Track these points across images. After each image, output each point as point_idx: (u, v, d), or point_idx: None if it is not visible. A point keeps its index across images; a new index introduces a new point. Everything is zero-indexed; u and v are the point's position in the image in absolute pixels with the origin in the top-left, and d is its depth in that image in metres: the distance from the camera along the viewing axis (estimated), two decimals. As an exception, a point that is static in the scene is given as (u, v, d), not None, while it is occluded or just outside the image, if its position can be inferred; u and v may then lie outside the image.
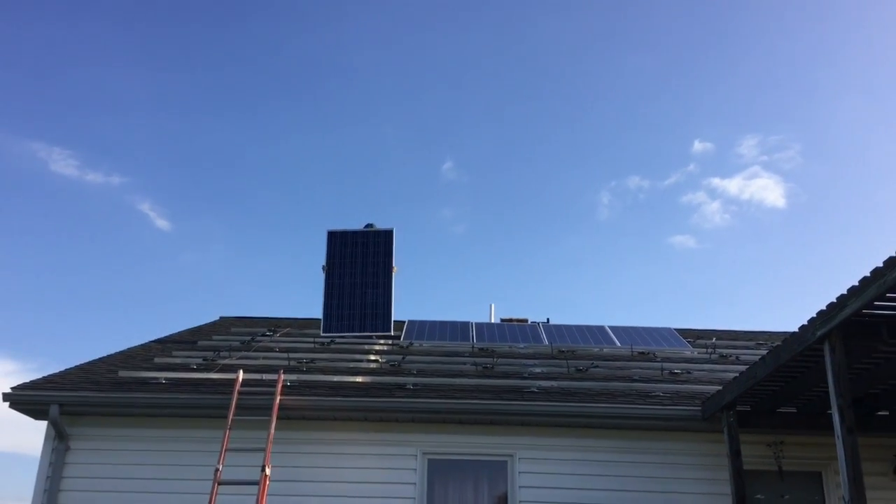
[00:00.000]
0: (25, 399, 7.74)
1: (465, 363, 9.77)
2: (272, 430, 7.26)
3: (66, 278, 31.17)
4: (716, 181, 31.22)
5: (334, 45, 29.48)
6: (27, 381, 8.07)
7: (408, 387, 8.31)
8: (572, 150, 30.74)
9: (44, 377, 8.25)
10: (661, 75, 29.26)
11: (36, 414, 7.86)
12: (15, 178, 29.16)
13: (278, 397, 7.58)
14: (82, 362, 9.20)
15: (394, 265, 11.45)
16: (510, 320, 13.50)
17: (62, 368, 8.79)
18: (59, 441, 7.70)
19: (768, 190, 30.48)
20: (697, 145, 30.19)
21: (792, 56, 28.80)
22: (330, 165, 31.29)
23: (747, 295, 32.23)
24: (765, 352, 6.95)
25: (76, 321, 32.44)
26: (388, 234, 11.72)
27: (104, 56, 27.92)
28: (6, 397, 7.70)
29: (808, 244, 31.57)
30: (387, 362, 9.68)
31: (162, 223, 31.39)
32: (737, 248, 32.20)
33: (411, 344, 10.91)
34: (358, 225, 12.20)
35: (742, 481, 6.97)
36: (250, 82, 30.27)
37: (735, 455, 7.04)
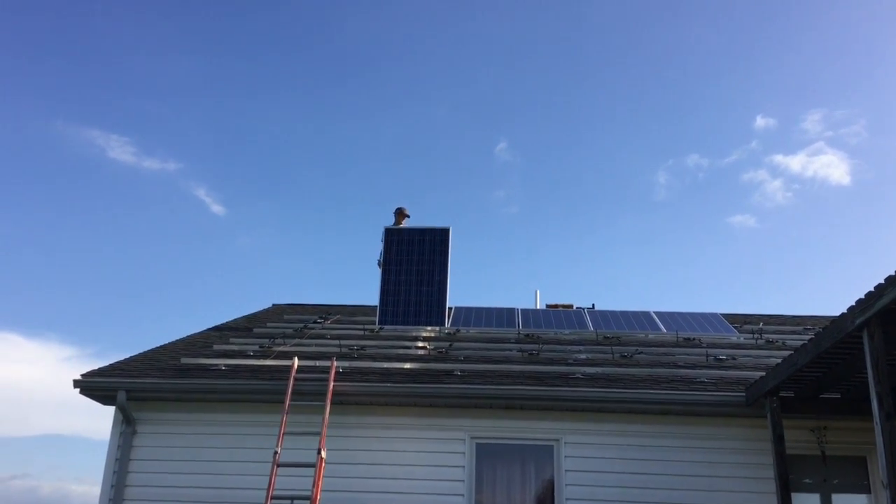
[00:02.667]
0: (94, 385, 8.17)
1: (511, 349, 9.99)
2: (327, 415, 7.59)
3: (122, 264, 32.16)
4: (778, 158, 30.34)
5: (386, 28, 29.60)
6: (89, 367, 8.56)
7: (455, 373, 8.56)
8: (628, 128, 30.25)
9: (110, 364, 8.69)
10: (722, 49, 28.56)
11: (104, 400, 8.29)
12: (74, 165, 30.13)
13: (332, 383, 7.90)
14: (146, 349, 9.67)
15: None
16: (555, 306, 13.67)
17: (120, 353, 9.37)
18: (126, 426, 8.12)
19: (833, 167, 29.59)
20: (760, 121, 29.33)
21: (857, 27, 27.87)
22: (382, 148, 31.51)
23: (810, 276, 31.54)
24: (811, 336, 7.03)
25: (133, 306, 33.48)
26: (444, 233, 11.92)
27: (159, 43, 28.58)
28: (76, 384, 8.13)
29: (874, 223, 30.56)
30: (434, 349, 9.95)
31: (217, 208, 32.09)
32: (799, 227, 31.40)
33: (458, 331, 11.16)
34: (406, 210, 12.48)
35: (785, 466, 7.08)
36: (303, 66, 30.64)
37: (778, 440, 7.15)
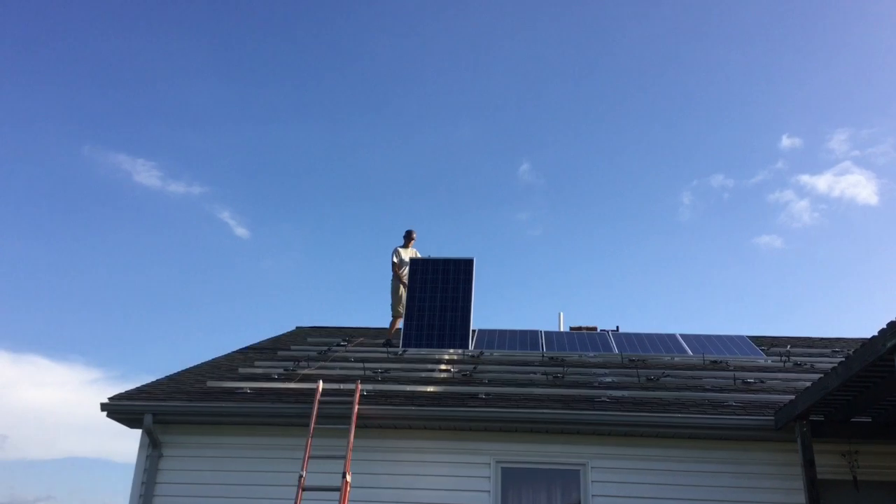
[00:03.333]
0: (121, 409, 8.23)
1: (535, 372, 9.94)
2: (352, 438, 7.57)
3: (147, 287, 32.45)
4: (804, 178, 30.03)
5: (409, 52, 29.86)
6: (114, 390, 8.67)
7: (480, 396, 8.53)
8: (652, 149, 30.12)
9: (137, 388, 8.75)
10: (747, 69, 28.41)
11: (131, 423, 8.35)
12: (100, 189, 30.55)
13: (356, 406, 7.89)
14: (171, 373, 9.74)
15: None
16: (579, 328, 13.59)
17: (144, 376, 9.46)
18: (152, 448, 8.15)
19: (860, 186, 29.24)
20: (785, 141, 29.06)
21: (883, 46, 27.69)
22: (406, 170, 31.64)
23: (837, 297, 31.12)
24: (840, 359, 6.93)
25: (158, 329, 33.73)
26: (468, 263, 11.99)
27: (185, 68, 29.05)
28: (104, 407, 8.19)
29: (902, 243, 30.21)
30: (458, 372, 9.93)
31: (241, 231, 32.36)
32: (827, 247, 31.00)
33: (482, 353, 11.13)
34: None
35: (816, 491, 6.96)
36: (327, 90, 30.98)
37: (809, 465, 7.04)
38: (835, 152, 29.43)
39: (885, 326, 5.44)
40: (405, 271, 11.99)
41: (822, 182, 29.91)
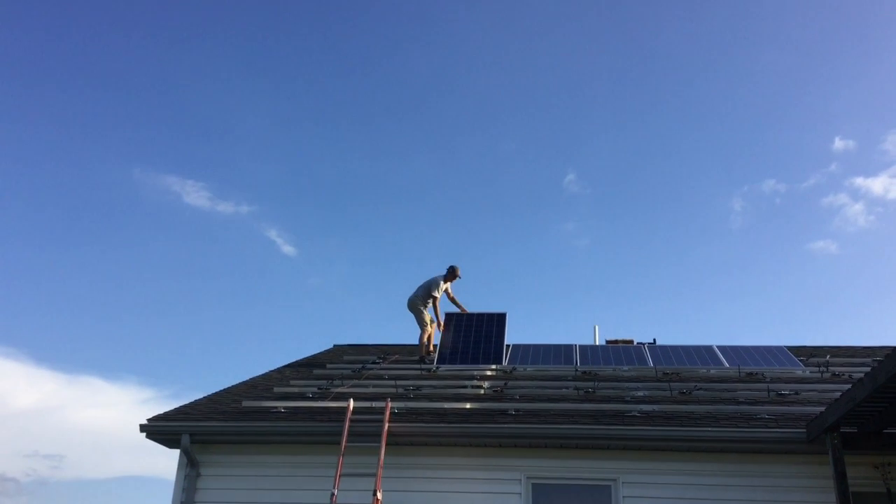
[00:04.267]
0: (160, 430, 8.46)
1: (567, 387, 9.94)
2: (382, 456, 7.69)
3: (199, 307, 33.09)
4: (859, 181, 29.38)
5: (451, 61, 30.00)
6: (166, 409, 8.87)
7: (510, 412, 8.58)
8: (701, 155, 29.72)
9: (175, 409, 8.99)
10: (797, 71, 27.93)
11: (169, 443, 8.57)
12: (152, 210, 31.31)
13: (386, 424, 8.01)
14: (210, 393, 9.97)
15: None
16: (615, 342, 13.54)
17: (197, 394, 9.52)
18: (190, 468, 8.36)
19: (916, 188, 28.47)
20: (838, 143, 28.49)
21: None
22: (451, 182, 31.76)
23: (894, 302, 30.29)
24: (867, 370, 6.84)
25: (209, 348, 34.32)
26: (501, 318, 12.46)
27: (233, 89, 29.65)
28: (143, 428, 8.42)
29: (961, 245, 29.36)
30: (490, 388, 9.98)
31: (288, 249, 32.83)
32: (884, 252, 30.24)
33: (514, 369, 11.17)
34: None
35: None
36: (371, 103, 31.33)
37: (840, 477, 6.95)
38: (889, 153, 28.75)
39: (907, 337, 5.38)
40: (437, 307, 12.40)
41: (877, 184, 29.23)
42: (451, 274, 12.60)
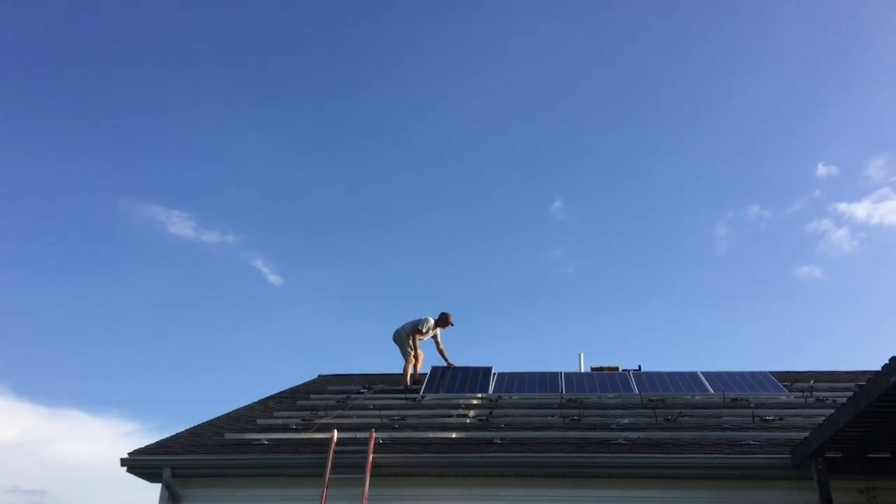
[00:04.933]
0: (140, 463, 8.35)
1: (552, 415, 9.90)
2: (367, 487, 7.62)
3: (183, 337, 32.84)
4: (842, 206, 29.70)
5: (434, 89, 30.21)
6: (145, 443, 8.75)
7: (495, 441, 8.53)
8: (686, 181, 29.98)
9: (157, 442, 8.88)
10: (780, 96, 28.32)
11: (150, 477, 8.44)
12: (137, 241, 31.17)
13: (371, 455, 7.95)
14: (192, 426, 9.86)
15: None
16: (600, 369, 13.56)
17: (181, 426, 9.40)
18: (172, 502, 8.24)
19: (898, 213, 28.79)
20: (822, 169, 28.83)
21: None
22: (436, 208, 31.81)
23: (883, 326, 30.55)
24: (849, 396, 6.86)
25: (193, 379, 34.02)
26: (487, 371, 12.44)
27: (217, 117, 29.68)
28: (123, 462, 8.31)
29: (945, 269, 29.69)
30: (475, 416, 9.93)
31: (274, 278, 32.70)
32: (868, 276, 30.48)
33: (500, 397, 11.12)
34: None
35: (835, 530, 6.85)
36: (354, 132, 31.40)
37: (826, 503, 6.93)
38: (872, 178, 29.16)
39: (888, 361, 5.41)
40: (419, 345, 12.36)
41: (860, 210, 29.60)
42: (444, 320, 12.52)
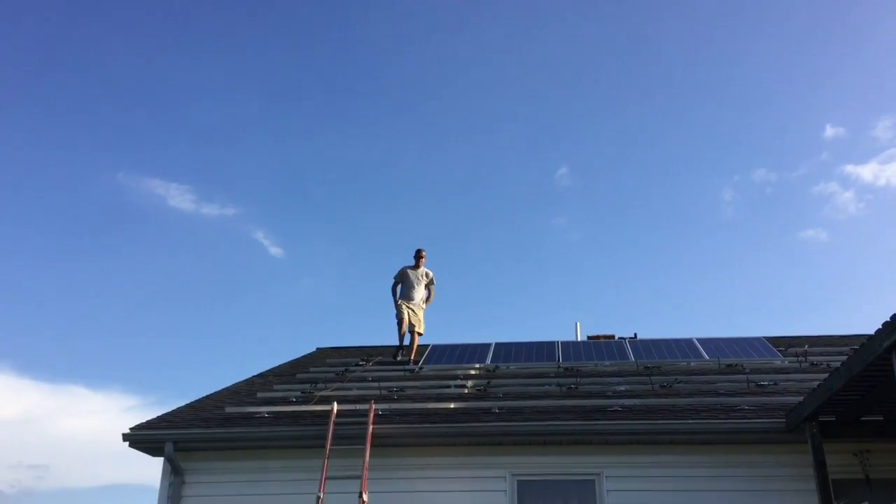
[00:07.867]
0: (142, 438, 8.42)
1: (550, 384, 10.00)
2: (367, 458, 7.71)
3: (185, 311, 32.81)
4: (849, 168, 29.49)
5: (439, 60, 29.87)
6: (146, 418, 8.83)
7: (493, 411, 8.63)
8: (691, 145, 29.66)
9: (158, 416, 8.95)
10: (786, 59, 27.96)
11: (152, 452, 8.53)
12: (136, 214, 31.02)
13: (371, 426, 8.03)
14: (192, 400, 9.94)
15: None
16: (596, 337, 13.66)
17: (183, 400, 9.46)
18: (174, 476, 8.32)
19: (906, 174, 28.63)
20: (829, 130, 28.58)
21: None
22: (441, 177, 31.57)
23: (887, 288, 30.57)
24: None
25: (195, 352, 34.09)
26: (485, 347, 12.47)
27: (212, 88, 29.42)
28: (125, 437, 8.38)
29: (952, 230, 29.61)
30: (474, 387, 10.02)
31: (276, 250, 32.61)
32: (874, 239, 30.40)
33: (498, 367, 11.22)
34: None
35: (829, 491, 6.97)
36: (359, 102, 31.08)
37: (820, 466, 7.05)
38: (880, 140, 28.93)
39: (881, 326, 5.48)
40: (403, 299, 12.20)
41: (867, 171, 29.41)
42: (417, 258, 12.35)
